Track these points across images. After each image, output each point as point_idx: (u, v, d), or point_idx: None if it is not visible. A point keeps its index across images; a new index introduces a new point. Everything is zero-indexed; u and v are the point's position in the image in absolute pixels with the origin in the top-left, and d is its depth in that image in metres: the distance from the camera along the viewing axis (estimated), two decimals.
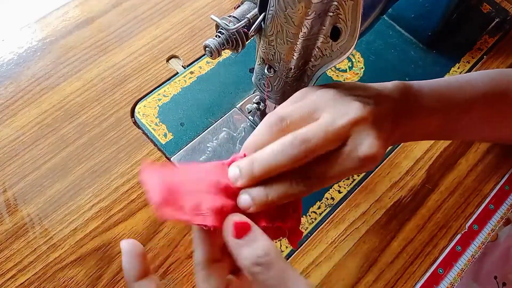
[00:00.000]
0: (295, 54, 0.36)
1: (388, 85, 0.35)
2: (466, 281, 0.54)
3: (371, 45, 0.61)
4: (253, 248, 0.26)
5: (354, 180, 0.52)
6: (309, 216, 0.49)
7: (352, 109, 0.31)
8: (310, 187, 0.29)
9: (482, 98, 0.38)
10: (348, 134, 0.30)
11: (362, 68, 0.59)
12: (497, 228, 0.51)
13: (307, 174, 0.29)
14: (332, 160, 0.30)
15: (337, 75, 0.58)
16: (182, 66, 0.58)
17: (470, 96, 0.37)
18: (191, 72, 0.57)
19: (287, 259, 0.47)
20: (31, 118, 0.52)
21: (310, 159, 0.30)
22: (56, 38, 0.58)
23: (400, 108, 0.34)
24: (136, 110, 0.54)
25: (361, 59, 0.60)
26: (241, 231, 0.27)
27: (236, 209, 0.29)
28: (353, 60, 0.60)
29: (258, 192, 0.29)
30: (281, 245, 0.48)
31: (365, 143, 0.30)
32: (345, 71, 0.59)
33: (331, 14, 0.32)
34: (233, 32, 0.36)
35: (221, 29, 0.36)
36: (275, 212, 0.30)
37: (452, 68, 0.60)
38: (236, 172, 0.30)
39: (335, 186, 0.51)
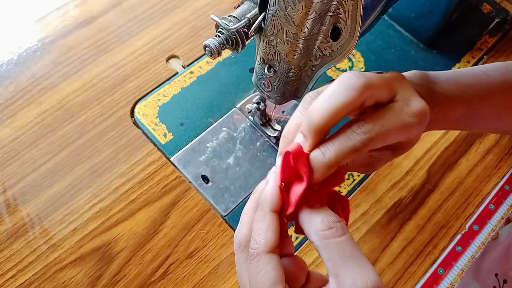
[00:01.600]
0: (295, 54, 0.36)
1: (406, 73, 0.35)
2: (466, 279, 0.54)
3: (371, 45, 0.61)
4: (326, 214, 0.27)
5: (354, 180, 0.52)
6: None
7: (391, 73, 0.31)
8: (367, 139, 0.27)
9: (499, 87, 0.38)
10: (395, 89, 0.30)
11: (362, 68, 0.59)
12: (497, 228, 0.51)
13: (365, 121, 0.28)
14: (388, 113, 0.29)
15: (337, 75, 0.58)
16: (182, 66, 0.58)
17: (488, 86, 0.37)
18: (191, 72, 0.57)
19: None
20: (31, 118, 0.52)
21: (367, 104, 0.29)
22: (56, 38, 0.58)
23: (423, 92, 0.34)
24: (136, 110, 0.54)
25: (361, 59, 0.60)
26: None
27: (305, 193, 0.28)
28: (353, 60, 0.60)
29: (315, 154, 0.27)
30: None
31: (414, 100, 0.30)
32: (345, 71, 0.59)
33: (331, 14, 0.32)
34: (233, 32, 0.36)
35: (221, 29, 0.36)
36: None
37: (453, 68, 0.60)
38: (299, 136, 0.28)
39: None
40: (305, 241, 0.48)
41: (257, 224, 0.28)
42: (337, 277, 0.25)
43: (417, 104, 0.29)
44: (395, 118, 0.28)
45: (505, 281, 0.56)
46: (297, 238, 0.48)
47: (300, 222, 0.28)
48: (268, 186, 0.28)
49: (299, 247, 0.48)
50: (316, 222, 0.26)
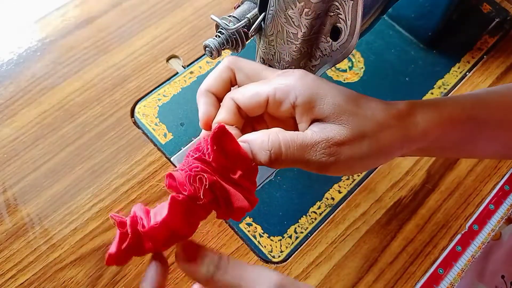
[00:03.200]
0: (295, 54, 0.36)
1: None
2: (470, 281, 0.54)
3: (371, 45, 0.61)
4: (205, 263, 0.27)
5: (354, 180, 0.52)
6: (309, 216, 0.49)
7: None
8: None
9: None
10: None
11: (362, 68, 0.59)
12: (497, 228, 0.51)
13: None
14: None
15: (337, 75, 0.58)
16: (182, 66, 0.58)
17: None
18: (191, 72, 0.57)
19: (288, 258, 0.47)
20: (31, 118, 0.52)
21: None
22: (56, 38, 0.58)
23: (397, 133, 0.32)
24: (136, 110, 0.54)
25: (361, 59, 0.60)
26: (191, 253, 0.28)
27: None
28: (353, 60, 0.60)
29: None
30: (281, 245, 0.48)
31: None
32: (345, 71, 0.59)
33: (331, 14, 0.32)
34: (233, 32, 0.36)
35: (221, 29, 0.36)
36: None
37: (452, 68, 0.60)
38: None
39: (335, 186, 0.51)
40: (305, 241, 0.48)
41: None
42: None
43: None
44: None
45: None
46: (296, 238, 0.48)
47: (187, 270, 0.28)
48: None
49: (300, 247, 0.48)
50: (204, 269, 0.27)
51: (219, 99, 0.33)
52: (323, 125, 0.30)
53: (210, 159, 0.27)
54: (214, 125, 0.31)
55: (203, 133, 0.34)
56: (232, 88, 0.34)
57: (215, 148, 0.27)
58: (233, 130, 0.30)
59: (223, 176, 0.28)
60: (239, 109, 0.32)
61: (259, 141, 0.29)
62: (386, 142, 0.31)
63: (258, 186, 0.50)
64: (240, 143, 0.29)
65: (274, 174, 0.51)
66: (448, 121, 0.34)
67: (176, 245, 0.28)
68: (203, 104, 0.33)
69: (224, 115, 0.32)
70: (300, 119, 0.31)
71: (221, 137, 0.28)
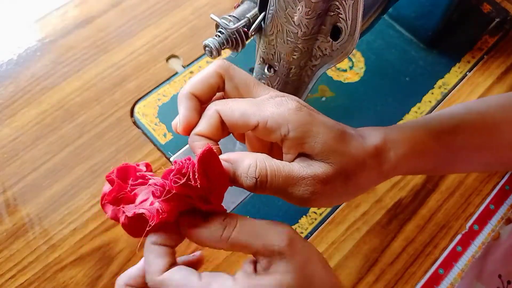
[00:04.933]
0: (295, 53, 0.36)
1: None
2: (469, 281, 0.54)
3: (372, 45, 0.61)
4: (213, 225, 0.28)
5: None
6: (309, 216, 0.49)
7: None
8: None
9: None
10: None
11: (362, 67, 0.59)
12: (497, 228, 0.51)
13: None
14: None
15: (338, 75, 0.58)
16: (182, 65, 0.58)
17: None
18: (191, 72, 0.57)
19: None
20: (31, 118, 0.52)
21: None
22: (55, 38, 0.58)
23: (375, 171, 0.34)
24: (135, 110, 0.54)
25: (362, 58, 0.60)
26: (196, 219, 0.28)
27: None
28: (354, 59, 0.60)
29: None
30: None
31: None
32: (345, 70, 0.59)
33: (331, 13, 0.32)
34: (233, 31, 0.36)
35: (221, 28, 0.36)
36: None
37: (453, 67, 0.60)
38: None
39: None
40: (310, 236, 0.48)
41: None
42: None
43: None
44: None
45: (509, 282, 0.56)
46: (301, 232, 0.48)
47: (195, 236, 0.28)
48: None
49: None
50: (212, 229, 0.28)
51: (202, 103, 0.32)
52: (310, 161, 0.30)
53: (197, 184, 0.27)
54: (194, 136, 0.30)
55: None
56: (217, 94, 0.33)
57: (201, 172, 0.27)
58: (214, 147, 0.29)
59: (201, 198, 0.28)
60: (222, 123, 0.31)
61: (245, 165, 0.29)
62: (365, 180, 0.32)
63: (236, 205, 0.50)
64: (223, 163, 0.29)
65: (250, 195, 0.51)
66: (419, 152, 0.35)
67: (180, 214, 0.28)
68: (184, 108, 0.31)
69: (205, 127, 0.30)
70: (287, 151, 0.31)
71: (208, 160, 0.27)
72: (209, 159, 0.27)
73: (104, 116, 0.53)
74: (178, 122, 0.32)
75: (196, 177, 0.27)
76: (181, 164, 0.27)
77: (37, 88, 0.54)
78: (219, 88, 0.32)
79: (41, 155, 0.50)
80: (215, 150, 0.27)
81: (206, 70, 0.32)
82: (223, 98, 0.33)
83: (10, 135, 0.51)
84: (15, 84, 0.54)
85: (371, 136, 0.33)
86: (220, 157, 0.29)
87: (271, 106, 0.30)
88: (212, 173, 0.28)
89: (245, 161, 0.29)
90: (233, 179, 0.29)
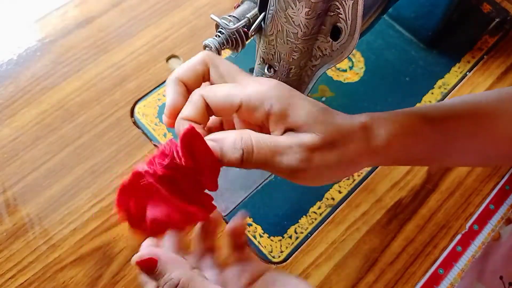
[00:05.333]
0: (295, 54, 0.36)
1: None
2: (470, 281, 0.54)
3: (372, 45, 0.61)
4: (165, 279, 0.28)
5: (354, 180, 0.52)
6: (309, 216, 0.49)
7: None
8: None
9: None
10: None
11: (362, 67, 0.59)
12: (497, 228, 0.51)
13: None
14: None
15: (338, 75, 0.58)
16: None
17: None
18: None
19: (288, 259, 0.47)
20: (31, 118, 0.52)
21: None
22: (55, 38, 0.58)
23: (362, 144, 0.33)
24: (135, 110, 0.54)
25: (362, 58, 0.60)
26: (148, 266, 0.28)
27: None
28: (354, 60, 0.60)
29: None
30: (281, 245, 0.48)
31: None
32: (345, 71, 0.59)
33: (331, 13, 0.32)
34: (233, 31, 0.36)
35: (221, 28, 0.36)
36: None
37: (453, 67, 0.60)
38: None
39: (335, 186, 0.51)
40: (305, 241, 0.48)
41: None
42: None
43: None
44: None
45: (510, 284, 0.56)
46: (297, 238, 0.48)
47: None
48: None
49: (300, 247, 0.48)
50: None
51: (189, 90, 0.33)
52: (296, 133, 0.31)
53: (182, 163, 0.27)
54: (179, 120, 0.31)
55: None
56: (203, 84, 0.34)
57: (184, 150, 0.27)
58: (199, 130, 0.30)
59: (189, 177, 0.28)
60: (207, 107, 0.31)
61: (230, 140, 0.29)
62: (353, 152, 0.32)
63: (255, 189, 0.50)
64: (209, 142, 0.29)
65: (271, 176, 0.51)
66: (410, 133, 0.34)
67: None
68: (171, 92, 0.32)
69: (190, 111, 0.31)
70: (273, 127, 0.31)
71: (190, 139, 0.27)
72: (192, 138, 0.27)
73: (104, 116, 0.53)
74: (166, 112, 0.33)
75: (180, 154, 0.27)
76: (163, 147, 0.27)
77: (37, 88, 0.54)
78: (204, 77, 0.33)
79: (41, 155, 0.50)
80: (200, 132, 0.28)
81: (193, 58, 0.33)
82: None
83: (10, 135, 0.51)
84: (15, 84, 0.54)
85: (360, 116, 0.33)
86: (206, 138, 0.29)
87: (252, 86, 0.31)
88: (198, 152, 0.28)
89: (230, 136, 0.29)
90: (220, 157, 0.29)
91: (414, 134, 0.35)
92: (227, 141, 0.29)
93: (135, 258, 0.28)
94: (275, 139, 0.30)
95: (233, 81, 0.33)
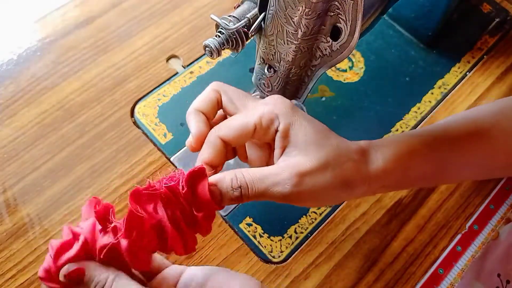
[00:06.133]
0: (295, 54, 0.36)
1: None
2: (469, 280, 0.54)
3: (371, 45, 0.61)
4: (95, 282, 0.29)
5: None
6: (309, 216, 0.49)
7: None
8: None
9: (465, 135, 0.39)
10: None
11: (362, 68, 0.59)
12: (497, 228, 0.51)
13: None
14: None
15: (337, 75, 0.58)
16: (182, 66, 0.58)
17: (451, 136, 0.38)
18: (191, 72, 0.57)
19: (288, 259, 0.47)
20: (31, 118, 0.52)
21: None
22: (56, 38, 0.58)
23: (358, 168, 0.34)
24: (136, 110, 0.54)
25: (361, 59, 0.60)
26: (77, 275, 0.29)
27: None
28: (353, 60, 0.60)
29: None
30: (281, 245, 0.48)
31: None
32: (345, 71, 0.59)
33: (331, 14, 0.32)
34: (233, 32, 0.36)
35: (221, 28, 0.36)
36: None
37: (453, 68, 0.60)
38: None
39: None
40: (305, 241, 0.48)
41: None
42: None
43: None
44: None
45: (508, 282, 0.56)
46: (297, 238, 0.48)
47: None
48: None
49: (300, 247, 0.48)
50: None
51: (208, 118, 0.36)
52: (291, 155, 0.32)
53: (182, 191, 0.30)
54: (199, 163, 0.34)
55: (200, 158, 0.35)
56: (218, 112, 0.37)
57: (187, 185, 0.30)
58: (210, 172, 0.33)
59: (185, 210, 0.30)
60: (225, 145, 0.34)
61: (227, 181, 0.32)
62: (349, 173, 0.33)
63: (237, 205, 0.50)
64: (211, 187, 0.31)
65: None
66: (407, 156, 0.35)
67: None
68: (194, 122, 0.35)
69: (209, 154, 0.34)
70: (277, 145, 0.33)
71: (196, 178, 0.30)
72: (199, 177, 0.30)
73: (105, 116, 0.53)
74: (190, 139, 0.36)
75: (183, 183, 0.30)
76: (174, 173, 0.31)
77: (37, 88, 0.54)
78: (218, 103, 0.36)
79: (41, 155, 0.50)
80: (209, 173, 0.31)
81: (204, 91, 0.37)
82: (224, 115, 0.37)
83: (10, 135, 0.51)
84: (15, 84, 0.54)
85: (356, 142, 0.35)
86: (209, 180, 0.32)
87: (261, 108, 0.33)
88: (199, 191, 0.30)
89: (226, 178, 0.32)
90: (221, 198, 0.31)
91: (412, 155, 0.35)
92: (224, 184, 0.31)
93: (62, 272, 0.30)
94: (267, 172, 0.32)
95: (242, 104, 0.35)
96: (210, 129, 0.35)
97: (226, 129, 0.34)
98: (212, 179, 0.32)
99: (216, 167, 0.34)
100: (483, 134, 0.38)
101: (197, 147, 0.35)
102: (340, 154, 0.33)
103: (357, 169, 0.33)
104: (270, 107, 0.33)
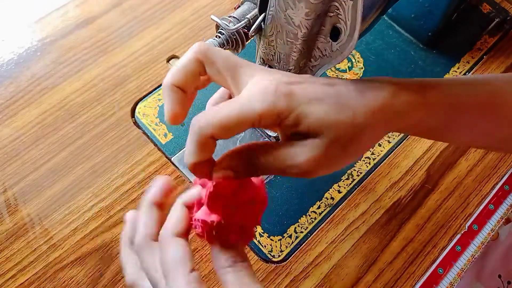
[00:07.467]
0: (295, 54, 0.36)
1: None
2: (469, 281, 0.54)
3: (371, 45, 0.61)
4: (230, 254, 0.28)
5: (354, 180, 0.52)
6: (309, 216, 0.49)
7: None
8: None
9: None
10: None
11: (362, 68, 0.59)
12: (497, 228, 0.51)
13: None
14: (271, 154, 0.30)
15: (337, 75, 0.59)
16: None
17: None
18: None
19: (288, 258, 0.47)
20: (31, 118, 0.52)
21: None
22: (56, 38, 0.58)
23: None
24: (136, 110, 0.54)
25: (361, 59, 0.60)
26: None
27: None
28: (353, 60, 0.60)
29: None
30: (281, 245, 0.48)
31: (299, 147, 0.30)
32: (345, 71, 0.59)
33: (331, 14, 0.33)
34: (233, 32, 0.36)
35: (221, 29, 0.36)
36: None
37: (452, 68, 0.60)
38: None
39: (335, 186, 0.51)
40: (305, 241, 0.48)
41: (170, 214, 0.30)
42: None
43: (303, 155, 0.28)
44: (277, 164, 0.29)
45: (509, 282, 0.56)
46: (296, 237, 0.48)
47: (212, 255, 0.29)
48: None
49: (300, 247, 0.48)
50: (221, 259, 0.29)
51: (187, 92, 0.31)
52: (302, 142, 0.29)
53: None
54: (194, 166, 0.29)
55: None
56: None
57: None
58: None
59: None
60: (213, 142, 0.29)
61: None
62: (367, 141, 0.30)
63: None
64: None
65: (271, 176, 0.51)
66: (430, 106, 0.32)
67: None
68: (168, 102, 0.30)
69: (203, 157, 0.29)
70: (283, 134, 0.30)
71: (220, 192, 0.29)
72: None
73: (105, 117, 0.53)
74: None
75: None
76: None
77: (37, 88, 0.54)
78: (201, 73, 0.31)
79: (41, 155, 0.50)
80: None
81: (184, 58, 0.30)
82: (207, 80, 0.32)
83: (11, 135, 0.51)
84: (16, 84, 0.54)
85: (384, 87, 0.30)
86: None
87: (257, 97, 0.28)
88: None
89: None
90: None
91: (427, 105, 0.32)
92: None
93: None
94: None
95: (233, 78, 0.30)
96: (189, 105, 0.31)
97: (211, 127, 0.28)
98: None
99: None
100: (498, 98, 0.37)
101: (176, 123, 0.31)
102: (356, 127, 0.29)
103: (377, 133, 0.30)
104: (268, 104, 0.28)
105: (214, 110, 0.28)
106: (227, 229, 0.28)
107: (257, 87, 0.28)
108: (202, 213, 0.29)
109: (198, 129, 0.28)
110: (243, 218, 0.29)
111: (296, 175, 0.29)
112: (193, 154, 0.28)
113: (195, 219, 0.29)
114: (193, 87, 0.31)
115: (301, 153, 0.29)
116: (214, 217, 0.28)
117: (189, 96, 0.31)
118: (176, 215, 0.30)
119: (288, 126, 0.29)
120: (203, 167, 0.29)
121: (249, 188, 0.30)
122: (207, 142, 0.28)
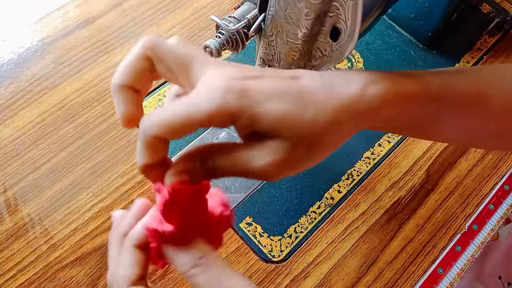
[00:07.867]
0: (295, 54, 0.36)
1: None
2: (469, 281, 0.54)
3: (371, 45, 0.61)
4: (190, 252, 0.26)
5: (353, 180, 0.52)
6: (309, 216, 0.49)
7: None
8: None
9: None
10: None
11: (361, 68, 0.59)
12: (497, 228, 0.51)
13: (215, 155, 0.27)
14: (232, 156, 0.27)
15: None
16: None
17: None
18: None
19: (288, 258, 0.47)
20: (32, 118, 0.52)
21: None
22: (56, 38, 0.58)
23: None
24: None
25: (361, 59, 0.60)
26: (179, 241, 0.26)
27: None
28: (353, 60, 0.60)
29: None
30: (281, 245, 0.48)
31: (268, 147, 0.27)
32: None
33: (331, 14, 0.33)
34: (233, 32, 0.36)
35: (221, 29, 0.36)
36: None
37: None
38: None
39: (335, 186, 0.51)
40: (305, 241, 0.48)
41: (122, 257, 0.29)
42: None
43: (268, 157, 0.25)
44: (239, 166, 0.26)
45: (509, 283, 0.56)
46: (296, 237, 0.48)
47: (168, 260, 0.27)
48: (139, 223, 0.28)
49: (299, 247, 0.48)
50: (182, 262, 0.26)
51: (137, 91, 0.28)
52: (263, 142, 0.26)
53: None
54: (144, 169, 0.26)
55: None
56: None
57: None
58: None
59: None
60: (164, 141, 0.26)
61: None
62: (337, 139, 0.28)
63: (255, 189, 0.50)
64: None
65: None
66: (406, 99, 0.29)
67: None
68: (118, 103, 0.28)
69: (152, 157, 0.26)
70: (240, 132, 0.27)
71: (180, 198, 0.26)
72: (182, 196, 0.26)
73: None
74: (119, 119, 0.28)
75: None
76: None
77: (37, 88, 0.54)
78: (151, 71, 0.28)
79: (41, 155, 0.50)
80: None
81: (130, 54, 0.27)
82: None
83: (11, 135, 0.51)
84: (16, 84, 0.54)
85: (358, 80, 0.28)
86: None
87: (205, 102, 0.25)
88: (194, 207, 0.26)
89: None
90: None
91: (402, 99, 0.29)
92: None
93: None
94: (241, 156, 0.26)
95: (185, 77, 0.27)
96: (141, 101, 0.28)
97: (156, 128, 0.25)
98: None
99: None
100: (481, 91, 0.35)
101: (131, 127, 0.28)
102: (322, 124, 0.27)
103: (347, 128, 0.28)
104: (216, 105, 0.24)
105: (160, 111, 0.26)
106: (181, 242, 0.26)
107: (206, 85, 0.25)
108: (155, 222, 0.26)
109: (142, 130, 0.26)
110: (202, 230, 0.27)
111: (257, 179, 0.27)
112: (141, 156, 0.25)
113: (146, 228, 0.26)
114: (146, 85, 0.28)
115: (260, 157, 0.26)
116: (167, 227, 0.25)
117: (142, 94, 0.29)
118: (127, 259, 0.28)
119: (243, 127, 0.26)
120: (154, 170, 0.26)
121: (211, 196, 0.27)
122: (155, 143, 0.25)
